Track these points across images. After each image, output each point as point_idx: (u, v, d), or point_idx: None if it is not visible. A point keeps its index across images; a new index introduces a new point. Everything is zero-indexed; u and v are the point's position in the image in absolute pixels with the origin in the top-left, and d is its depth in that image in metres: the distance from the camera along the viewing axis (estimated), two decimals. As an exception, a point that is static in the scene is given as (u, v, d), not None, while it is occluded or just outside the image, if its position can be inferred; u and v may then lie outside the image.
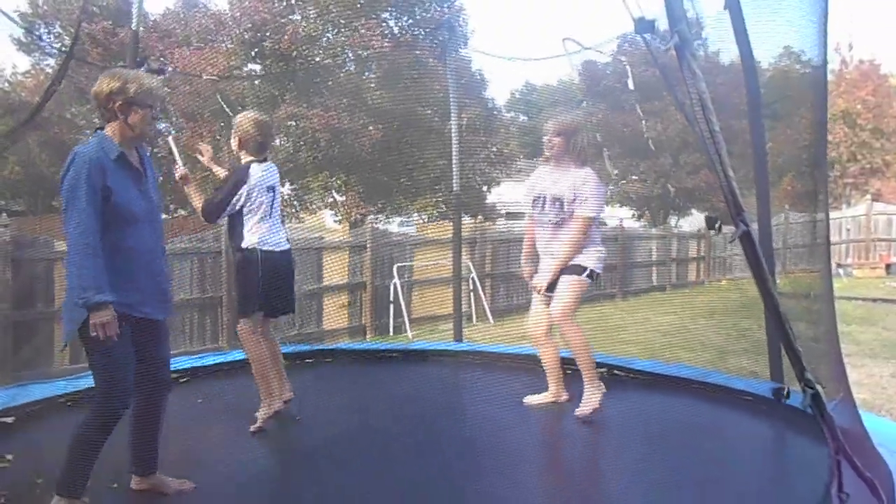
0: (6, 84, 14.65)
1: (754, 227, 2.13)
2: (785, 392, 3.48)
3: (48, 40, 14.35)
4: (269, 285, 3.62)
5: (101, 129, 2.70)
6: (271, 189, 3.68)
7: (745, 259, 2.16)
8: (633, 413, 3.59)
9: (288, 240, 3.80)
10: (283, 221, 3.94)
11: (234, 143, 3.75)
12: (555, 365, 3.76)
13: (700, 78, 1.77)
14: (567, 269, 3.71)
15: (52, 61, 14.60)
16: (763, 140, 3.81)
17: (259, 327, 3.70)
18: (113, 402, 2.60)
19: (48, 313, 6.48)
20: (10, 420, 3.38)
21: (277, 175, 3.80)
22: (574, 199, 3.64)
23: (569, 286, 3.68)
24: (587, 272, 3.71)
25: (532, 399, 3.77)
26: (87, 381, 3.83)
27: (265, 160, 3.73)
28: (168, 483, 2.85)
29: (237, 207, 3.58)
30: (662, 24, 2.17)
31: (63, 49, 13.80)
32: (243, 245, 3.60)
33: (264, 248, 3.60)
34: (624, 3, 1.89)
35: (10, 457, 2.95)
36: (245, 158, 3.71)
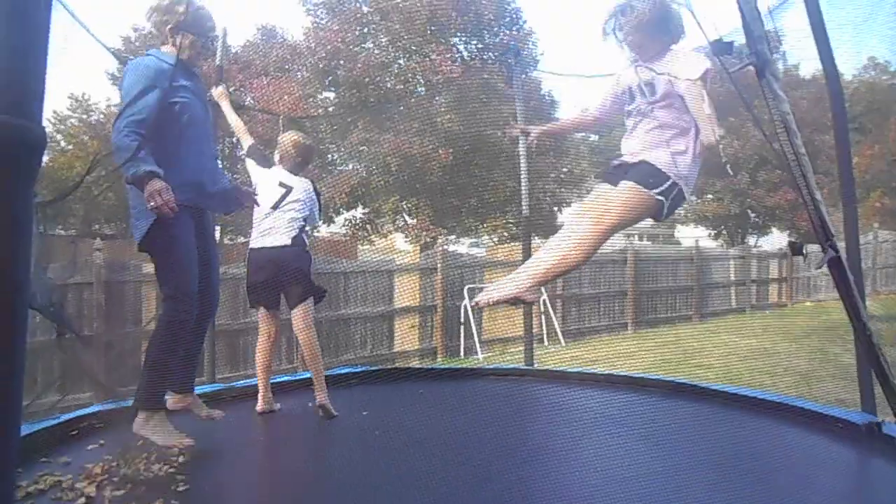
0: (101, 116, 15.60)
1: (842, 246, 2.04)
2: (877, 426, 3.27)
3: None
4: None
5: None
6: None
7: (831, 280, 2.06)
8: (713, 438, 3.45)
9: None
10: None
11: (275, 158, 4.06)
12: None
13: (783, 99, 1.71)
14: (634, 167, 2.64)
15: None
16: (849, 155, 3.64)
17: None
18: (181, 304, 2.70)
19: (139, 333, 6.80)
20: (100, 425, 3.57)
21: (310, 187, 4.06)
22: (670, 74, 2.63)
23: (619, 193, 2.57)
24: (661, 187, 2.56)
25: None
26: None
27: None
28: (202, 406, 2.96)
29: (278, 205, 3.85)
30: (739, 40, 2.12)
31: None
32: (294, 238, 3.83)
33: (306, 245, 3.92)
34: (698, 25, 1.86)
35: (102, 441, 3.13)
36: None
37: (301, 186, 3.94)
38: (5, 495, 0.95)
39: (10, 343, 0.93)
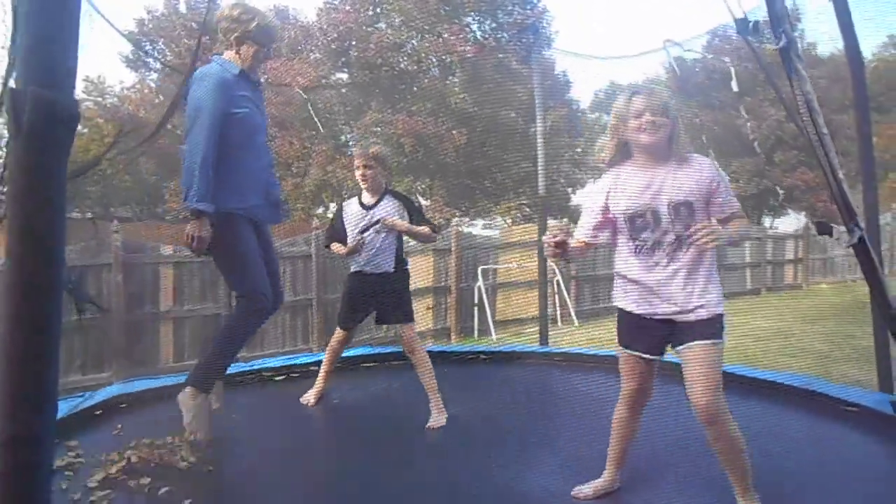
0: (115, 98, 15.65)
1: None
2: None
3: (153, 56, 15.21)
4: None
5: (220, 55, 2.94)
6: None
7: (849, 261, 2.06)
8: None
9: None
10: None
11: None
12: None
13: (806, 79, 1.71)
14: (699, 326, 2.21)
15: (155, 76, 15.50)
16: (870, 136, 3.59)
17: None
18: (257, 301, 2.80)
19: (156, 314, 6.90)
20: (122, 405, 3.63)
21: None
22: (710, 199, 2.32)
23: (710, 358, 2.18)
24: (722, 328, 2.24)
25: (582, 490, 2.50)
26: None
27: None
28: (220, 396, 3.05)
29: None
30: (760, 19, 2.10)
31: (165, 63, 14.63)
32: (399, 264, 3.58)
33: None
34: (725, 2, 1.84)
35: (120, 426, 3.16)
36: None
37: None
38: (45, 464, 0.98)
39: (47, 316, 0.96)
